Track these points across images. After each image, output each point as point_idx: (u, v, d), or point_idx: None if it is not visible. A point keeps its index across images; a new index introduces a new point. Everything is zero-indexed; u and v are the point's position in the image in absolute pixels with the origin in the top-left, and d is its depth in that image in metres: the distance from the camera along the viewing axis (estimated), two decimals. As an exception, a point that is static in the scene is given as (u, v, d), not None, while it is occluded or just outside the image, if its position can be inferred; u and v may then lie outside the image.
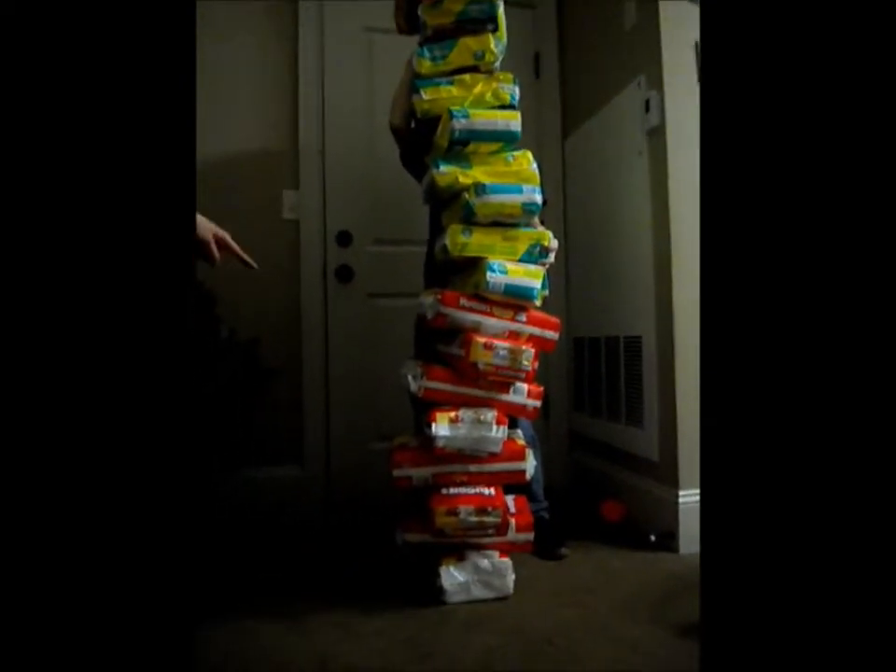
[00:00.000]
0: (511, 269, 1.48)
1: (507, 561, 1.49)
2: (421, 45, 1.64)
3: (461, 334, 1.49)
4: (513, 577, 1.49)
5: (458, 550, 1.50)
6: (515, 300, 1.50)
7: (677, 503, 1.73)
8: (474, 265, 1.50)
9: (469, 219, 1.48)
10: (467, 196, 1.47)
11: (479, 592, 1.47)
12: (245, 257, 1.25)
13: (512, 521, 1.50)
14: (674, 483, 1.76)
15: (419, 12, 1.62)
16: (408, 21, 1.75)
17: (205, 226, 1.17)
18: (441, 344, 1.59)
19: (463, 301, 1.48)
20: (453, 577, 1.46)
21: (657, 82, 1.82)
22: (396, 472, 1.50)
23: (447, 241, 1.48)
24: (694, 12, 1.81)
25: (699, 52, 1.81)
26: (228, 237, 1.21)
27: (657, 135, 1.83)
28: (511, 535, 1.50)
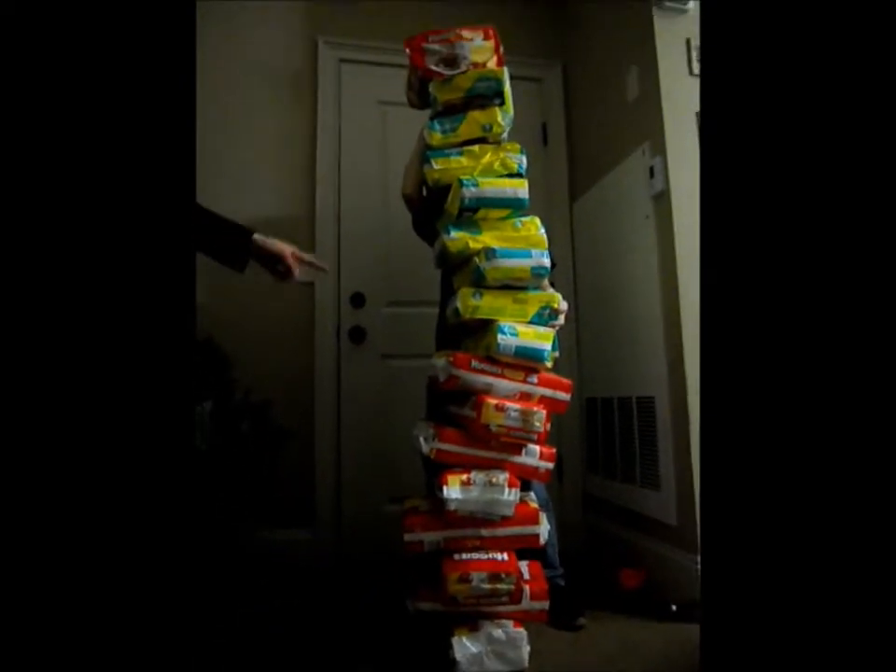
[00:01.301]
0: (521, 331, 1.49)
1: (522, 631, 1.44)
2: (432, 118, 1.72)
3: (473, 396, 1.49)
4: (528, 648, 1.43)
5: (471, 619, 1.45)
6: (526, 361, 1.51)
7: (697, 570, 1.67)
8: (485, 327, 1.52)
9: (480, 283, 1.51)
10: (477, 260, 1.51)
11: (492, 664, 1.41)
12: (319, 263, 1.47)
13: (527, 588, 1.45)
14: (693, 549, 1.70)
15: (430, 89, 1.71)
16: (419, 97, 1.84)
17: (279, 244, 1.36)
18: (453, 406, 1.59)
19: (474, 363, 1.49)
20: (465, 648, 1.40)
21: (661, 149, 1.89)
22: (407, 537, 1.47)
23: (458, 304, 1.51)
24: (694, 84, 1.90)
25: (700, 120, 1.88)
26: (298, 251, 1.39)
27: (662, 200, 1.88)
28: (526, 603, 1.45)
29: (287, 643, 1.62)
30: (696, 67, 1.91)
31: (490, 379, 1.48)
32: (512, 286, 1.54)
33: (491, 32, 1.76)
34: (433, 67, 1.70)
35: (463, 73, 1.68)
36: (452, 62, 1.70)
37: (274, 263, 1.36)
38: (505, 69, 1.71)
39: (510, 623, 1.44)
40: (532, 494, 1.61)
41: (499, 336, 1.46)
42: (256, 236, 1.34)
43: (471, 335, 1.59)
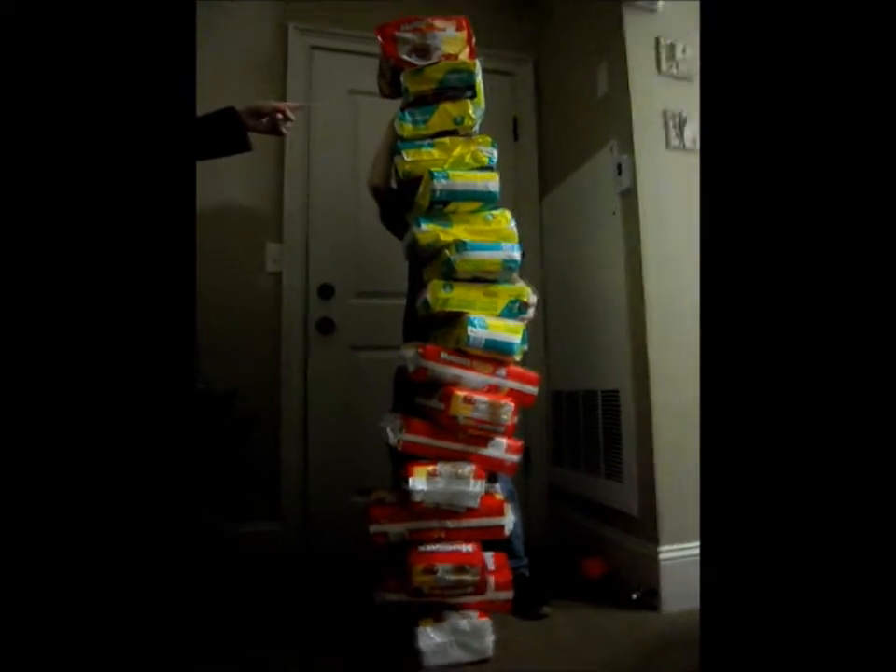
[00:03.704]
0: (491, 324, 1.50)
1: (486, 621, 1.45)
2: (403, 109, 1.71)
3: (441, 388, 1.50)
4: (493, 638, 1.44)
5: (436, 610, 1.46)
6: (495, 354, 1.52)
7: (657, 560, 1.71)
8: (455, 320, 1.52)
9: (450, 275, 1.51)
10: (448, 253, 1.51)
11: (457, 654, 1.42)
12: (311, 104, 1.69)
13: (491, 579, 1.47)
14: (654, 539, 1.74)
15: (401, 79, 1.70)
16: (391, 87, 1.83)
17: (262, 102, 1.42)
18: (420, 398, 1.59)
19: (444, 355, 1.49)
20: (430, 638, 1.41)
21: (628, 147, 1.91)
22: (372, 528, 1.47)
23: (429, 296, 1.51)
24: (662, 82, 1.94)
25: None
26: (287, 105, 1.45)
27: (629, 197, 1.91)
28: (490, 593, 1.47)
29: (253, 634, 1.61)
30: (665, 65, 1.94)
31: (459, 371, 1.49)
32: (483, 278, 1.54)
33: (464, 22, 1.75)
34: (405, 57, 1.69)
35: (434, 64, 1.68)
36: (424, 52, 1.69)
37: (266, 119, 1.40)
38: (477, 61, 1.70)
39: (474, 614, 1.46)
40: (497, 485, 1.62)
41: (469, 329, 1.46)
42: (237, 108, 1.37)
43: (440, 327, 1.60)
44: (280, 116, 1.40)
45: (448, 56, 1.70)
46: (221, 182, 2.27)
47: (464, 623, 1.43)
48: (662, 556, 1.71)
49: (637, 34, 1.95)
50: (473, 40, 1.77)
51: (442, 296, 1.50)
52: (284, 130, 1.44)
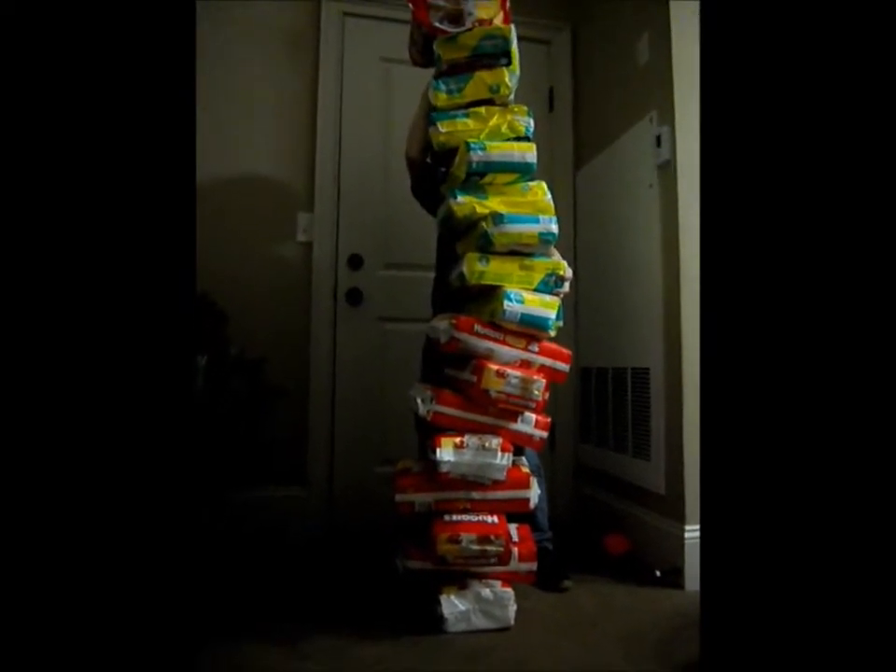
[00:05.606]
0: (527, 298, 1.48)
1: (509, 591, 1.47)
2: (436, 78, 1.66)
3: (473, 361, 1.49)
4: (515, 608, 1.47)
5: (460, 578, 1.48)
6: (530, 329, 1.50)
7: (683, 538, 1.71)
8: (489, 293, 1.50)
9: (487, 248, 1.49)
10: (484, 225, 1.48)
11: (479, 622, 1.45)
12: None
13: (515, 550, 1.49)
14: (680, 518, 1.74)
15: (434, 46, 1.65)
16: (423, 55, 1.78)
17: None
18: (451, 370, 1.59)
19: (478, 328, 1.48)
20: (453, 606, 1.44)
21: (669, 118, 1.86)
22: (398, 497, 1.49)
23: (464, 268, 1.49)
24: (706, 52, 1.86)
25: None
26: None
27: (668, 170, 1.86)
28: (514, 564, 1.49)
29: (278, 599, 1.65)
30: (710, 34, 1.87)
31: (492, 345, 1.48)
32: (519, 251, 1.52)
33: (497, -15, 1.69)
34: (437, 24, 1.64)
35: (468, 30, 1.62)
36: (457, 18, 1.64)
37: None
38: (512, 27, 1.65)
39: (497, 583, 1.48)
40: (524, 458, 1.63)
41: (506, 303, 1.45)
42: None
43: (474, 300, 1.58)
44: None
45: (482, 21, 1.64)
46: (253, 151, 2.27)
47: (487, 592, 1.45)
48: (687, 535, 1.70)
49: (682, 1, 1.87)
50: (508, 4, 1.71)
51: (478, 269, 1.49)
52: None
